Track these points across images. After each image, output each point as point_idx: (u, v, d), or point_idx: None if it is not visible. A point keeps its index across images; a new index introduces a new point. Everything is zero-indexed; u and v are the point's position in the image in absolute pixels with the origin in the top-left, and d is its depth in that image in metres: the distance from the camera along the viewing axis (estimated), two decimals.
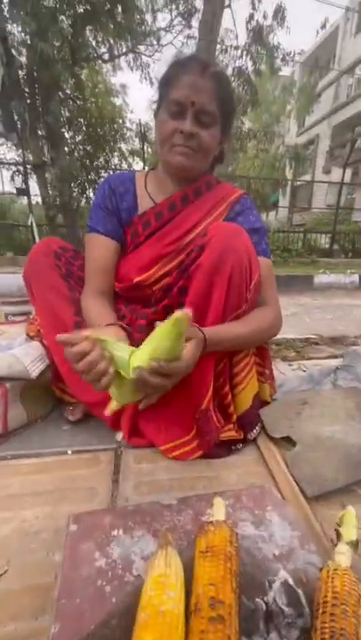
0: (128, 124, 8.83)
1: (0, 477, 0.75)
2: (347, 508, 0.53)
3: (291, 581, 0.41)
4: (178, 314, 0.52)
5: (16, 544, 0.59)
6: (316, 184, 12.04)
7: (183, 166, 0.81)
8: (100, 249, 0.88)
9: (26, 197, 6.68)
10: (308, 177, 13.76)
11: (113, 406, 0.66)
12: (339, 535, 0.48)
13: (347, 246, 7.92)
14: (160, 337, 0.57)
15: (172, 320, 0.53)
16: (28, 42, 5.62)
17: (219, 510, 0.49)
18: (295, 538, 0.52)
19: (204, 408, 0.79)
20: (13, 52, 5.89)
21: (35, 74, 5.96)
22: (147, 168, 0.99)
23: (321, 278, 5.37)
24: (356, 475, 0.71)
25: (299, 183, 13.02)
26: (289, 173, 11.96)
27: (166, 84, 0.78)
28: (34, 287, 0.92)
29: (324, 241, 7.96)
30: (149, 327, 0.87)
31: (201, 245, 0.76)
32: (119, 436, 0.91)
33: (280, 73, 8.71)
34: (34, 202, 7.14)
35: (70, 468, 0.79)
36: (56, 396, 1.07)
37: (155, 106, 0.86)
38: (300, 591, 0.40)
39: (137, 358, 0.59)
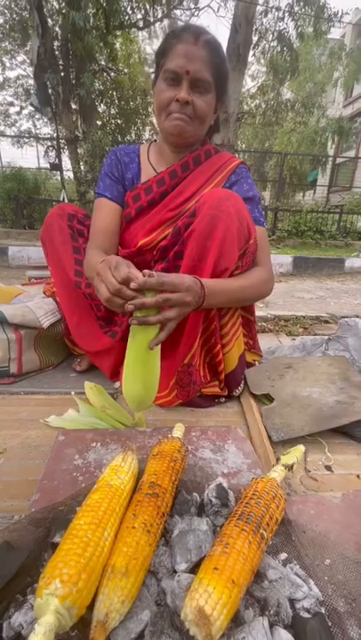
0: None
1: (12, 406, 0.89)
2: (297, 446, 0.60)
3: (225, 484, 0.49)
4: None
5: (20, 452, 0.72)
6: (360, 162, 11.14)
7: (180, 132, 0.85)
8: (106, 213, 0.95)
9: (59, 173, 6.85)
10: (352, 153, 12.76)
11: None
12: (278, 460, 0.55)
13: None
14: None
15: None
16: (63, 10, 5.56)
17: (177, 430, 0.58)
18: (245, 464, 0.61)
19: (186, 362, 0.86)
20: (49, 21, 5.87)
21: (69, 44, 5.92)
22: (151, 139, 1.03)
23: (353, 262, 5.12)
24: (321, 426, 0.77)
25: (340, 160, 12.10)
26: (330, 149, 11.13)
27: (162, 54, 0.82)
28: (48, 247, 1.02)
29: None
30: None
31: (193, 211, 0.81)
32: (117, 384, 1.02)
33: (329, 36, 7.96)
34: (66, 177, 7.30)
35: (72, 405, 0.92)
36: (68, 349, 1.20)
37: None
38: (230, 491, 0.49)
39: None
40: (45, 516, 0.46)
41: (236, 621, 0.35)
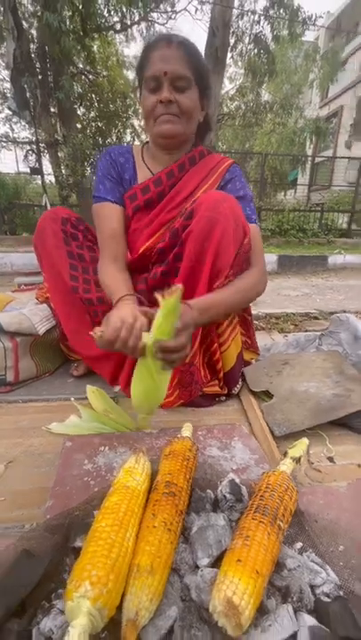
0: None
1: (11, 415, 0.88)
2: (302, 439, 0.62)
3: (237, 480, 0.50)
4: (170, 294, 0.56)
5: (25, 461, 0.71)
6: (337, 161, 11.41)
7: (170, 133, 0.86)
8: (112, 217, 0.93)
9: (40, 177, 6.75)
10: (329, 152, 13.10)
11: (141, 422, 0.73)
12: (286, 454, 0.57)
13: None
14: (159, 317, 0.59)
15: (166, 303, 0.57)
16: (38, 13, 5.50)
17: (186, 430, 0.59)
18: (253, 459, 0.62)
19: (188, 362, 0.87)
20: (24, 23, 5.79)
21: (45, 47, 5.86)
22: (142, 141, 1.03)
23: (336, 259, 5.25)
24: (321, 419, 0.79)
25: (319, 160, 12.39)
26: (309, 149, 11.40)
27: (141, 67, 0.83)
28: (41, 251, 1.00)
29: (342, 220, 7.69)
30: (150, 292, 0.94)
31: (190, 211, 0.82)
32: (117, 388, 1.02)
33: (303, 39, 8.17)
34: (47, 181, 7.19)
35: (73, 411, 0.91)
36: (64, 354, 1.19)
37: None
38: (242, 486, 0.50)
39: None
40: (62, 522, 0.46)
41: (260, 611, 0.37)
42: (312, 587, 0.39)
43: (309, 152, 11.37)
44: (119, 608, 0.35)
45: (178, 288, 0.57)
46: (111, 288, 0.82)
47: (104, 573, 0.33)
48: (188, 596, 0.38)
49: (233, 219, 0.78)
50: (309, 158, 10.81)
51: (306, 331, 1.71)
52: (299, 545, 0.45)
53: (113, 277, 0.86)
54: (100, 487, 0.54)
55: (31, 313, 1.03)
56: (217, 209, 0.77)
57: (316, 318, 1.98)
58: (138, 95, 0.90)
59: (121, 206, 0.94)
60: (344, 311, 2.03)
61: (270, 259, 4.76)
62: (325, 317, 1.97)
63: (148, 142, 1.00)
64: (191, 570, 0.41)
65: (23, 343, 1.00)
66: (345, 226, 7.53)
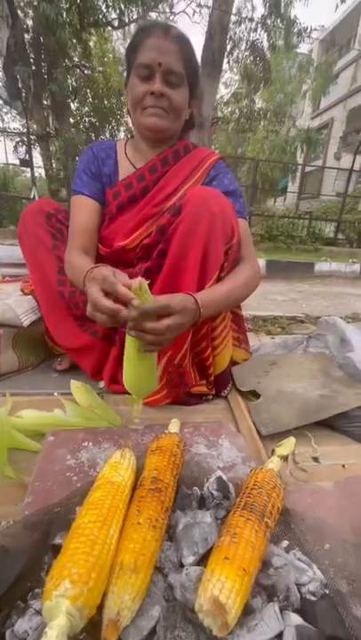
0: None
1: None
2: (289, 438, 0.62)
3: (224, 477, 0.50)
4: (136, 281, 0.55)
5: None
6: (326, 171, 11.67)
7: (157, 127, 0.84)
8: (85, 210, 0.91)
9: (29, 169, 6.62)
10: (319, 163, 13.41)
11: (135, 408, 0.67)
12: (274, 452, 0.57)
13: (352, 236, 7.79)
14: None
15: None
16: (35, 2, 5.40)
17: (173, 426, 0.57)
18: (239, 457, 0.62)
19: (176, 363, 0.85)
20: (19, 12, 5.68)
21: (41, 38, 5.76)
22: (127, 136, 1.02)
23: (322, 266, 5.35)
24: (308, 419, 0.80)
25: (309, 169, 12.66)
26: (300, 158, 11.63)
27: (133, 50, 0.81)
28: (25, 243, 0.98)
29: (329, 229, 7.86)
30: None
31: (178, 207, 0.81)
32: (102, 383, 0.99)
33: (298, 50, 8.35)
34: (37, 174, 7.06)
35: (56, 406, 0.88)
36: (48, 348, 1.15)
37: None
38: (229, 483, 0.49)
39: None
40: (41, 518, 0.44)
41: (246, 610, 0.36)
42: (298, 585, 0.38)
43: (300, 161, 11.59)
44: (99, 608, 0.33)
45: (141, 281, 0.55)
46: (81, 265, 0.78)
47: (85, 571, 0.32)
48: (171, 595, 0.37)
49: (221, 216, 0.77)
50: (300, 167, 11.02)
51: (292, 334, 1.73)
52: (285, 543, 0.44)
53: (83, 262, 0.81)
54: (82, 483, 0.52)
55: (16, 304, 0.99)
56: (204, 206, 0.76)
57: (302, 322, 2.00)
58: (125, 79, 0.88)
59: (96, 202, 0.92)
60: (329, 317, 2.06)
61: (259, 263, 4.80)
62: (312, 322, 2.00)
63: (132, 137, 0.99)
64: (176, 568, 0.39)
65: (6, 335, 0.97)
66: (332, 235, 7.71)
